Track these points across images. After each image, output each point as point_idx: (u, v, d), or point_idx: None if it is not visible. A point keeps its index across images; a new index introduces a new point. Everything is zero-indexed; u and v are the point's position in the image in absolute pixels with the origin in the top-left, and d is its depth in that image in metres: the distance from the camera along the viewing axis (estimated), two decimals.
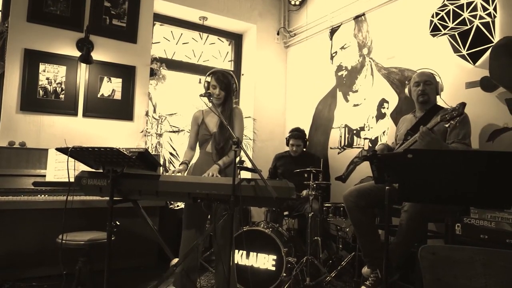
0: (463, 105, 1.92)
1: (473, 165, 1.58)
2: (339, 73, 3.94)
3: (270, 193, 1.73)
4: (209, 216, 2.68)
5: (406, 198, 1.88)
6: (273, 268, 2.72)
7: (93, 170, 2.12)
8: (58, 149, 2.03)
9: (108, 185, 1.99)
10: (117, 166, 1.97)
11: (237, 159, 1.99)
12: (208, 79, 2.42)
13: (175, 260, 2.12)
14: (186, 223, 2.35)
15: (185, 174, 2.39)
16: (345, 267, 3.04)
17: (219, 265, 2.35)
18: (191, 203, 2.03)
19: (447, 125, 2.00)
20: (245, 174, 4.26)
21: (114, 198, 1.97)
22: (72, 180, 2.13)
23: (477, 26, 2.61)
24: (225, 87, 2.37)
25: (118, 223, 2.11)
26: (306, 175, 3.12)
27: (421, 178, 1.66)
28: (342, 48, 3.92)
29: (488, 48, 2.55)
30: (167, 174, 2.90)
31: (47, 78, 3.31)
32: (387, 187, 1.82)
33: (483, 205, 1.79)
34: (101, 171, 2.04)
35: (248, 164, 2.41)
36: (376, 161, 1.87)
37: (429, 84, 2.39)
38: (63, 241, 2.33)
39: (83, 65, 3.45)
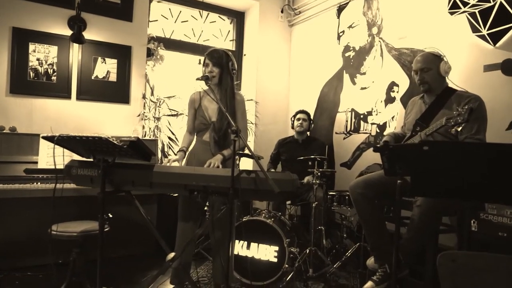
0: (469, 109, 1.73)
1: (493, 158, 1.43)
2: (346, 54, 3.73)
3: (271, 185, 1.60)
4: (206, 208, 2.57)
5: (419, 192, 1.73)
6: (275, 260, 2.62)
7: (84, 159, 2.00)
8: (44, 137, 1.90)
9: (99, 175, 1.87)
10: (108, 155, 1.84)
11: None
12: (204, 61, 2.25)
13: (172, 255, 2.01)
14: (182, 215, 2.23)
15: (183, 162, 2.26)
16: (350, 257, 2.94)
17: (216, 258, 2.25)
18: (187, 195, 1.91)
19: (452, 131, 1.81)
20: (246, 164, 4.13)
21: (106, 190, 1.86)
22: (61, 167, 2.02)
23: (501, 3, 2.38)
24: (217, 62, 2.19)
25: (111, 215, 2.01)
26: (310, 162, 2.98)
27: (436, 171, 1.52)
28: (350, 27, 3.69)
29: (511, 27, 2.34)
30: (163, 163, 2.78)
31: (38, 59, 3.13)
32: (399, 181, 1.68)
33: (504, 202, 1.65)
34: (92, 160, 1.91)
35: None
36: (387, 152, 1.72)
37: (427, 71, 2.19)
38: (55, 232, 2.23)
39: (76, 45, 3.27)
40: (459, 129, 1.73)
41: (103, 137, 1.68)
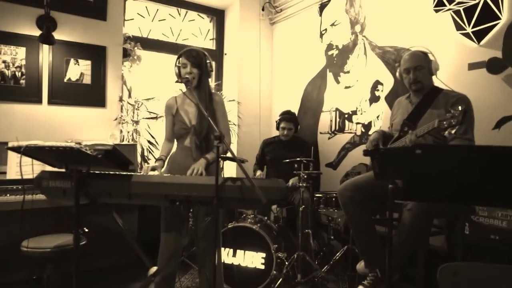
0: (463, 112, 1.68)
1: (487, 161, 1.38)
2: (329, 52, 3.68)
3: (258, 195, 1.50)
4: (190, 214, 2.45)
5: (411, 196, 1.68)
6: (263, 267, 2.54)
7: (56, 169, 1.85)
8: (9, 148, 1.73)
9: (72, 187, 1.73)
10: (82, 165, 1.71)
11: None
12: (179, 62, 2.12)
13: (153, 269, 1.89)
14: (165, 225, 2.11)
15: (162, 171, 2.13)
16: (338, 260, 2.89)
17: (202, 269, 2.14)
18: (168, 206, 1.79)
19: (445, 134, 1.75)
20: (230, 167, 4.02)
21: (81, 202, 1.72)
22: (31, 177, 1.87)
23: (485, 0, 2.36)
24: (196, 62, 2.06)
25: (87, 230, 1.87)
26: (296, 165, 2.91)
27: (429, 175, 1.46)
28: (333, 25, 3.64)
29: (494, 25, 2.32)
30: (141, 171, 2.64)
31: (4, 61, 2.93)
32: (390, 185, 1.62)
33: (499, 205, 1.61)
34: (64, 171, 1.76)
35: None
36: (378, 156, 1.66)
37: (420, 69, 2.12)
38: (25, 249, 2.07)
39: (46, 46, 3.07)
40: (453, 131, 1.67)
41: (75, 147, 1.54)
